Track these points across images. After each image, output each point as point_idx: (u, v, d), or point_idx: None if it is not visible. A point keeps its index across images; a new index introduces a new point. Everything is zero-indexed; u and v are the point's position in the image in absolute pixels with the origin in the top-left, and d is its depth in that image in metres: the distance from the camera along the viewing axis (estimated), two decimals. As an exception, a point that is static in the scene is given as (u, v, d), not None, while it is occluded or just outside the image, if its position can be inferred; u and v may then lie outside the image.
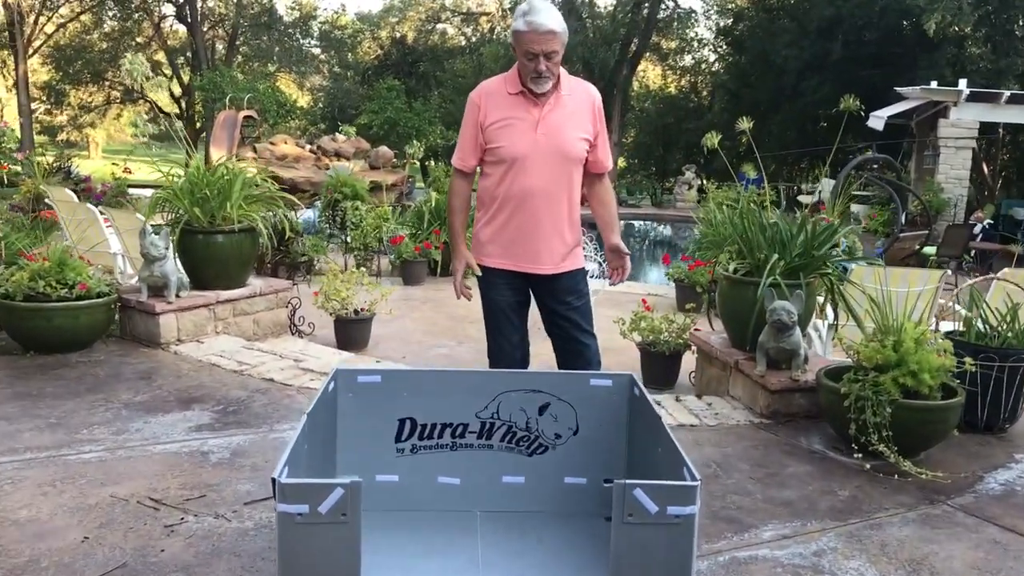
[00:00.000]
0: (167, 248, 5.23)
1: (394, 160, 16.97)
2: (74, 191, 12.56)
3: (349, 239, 9.57)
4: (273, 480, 2.19)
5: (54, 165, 13.92)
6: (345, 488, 2.18)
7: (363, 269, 6.43)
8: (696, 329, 5.54)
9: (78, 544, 2.91)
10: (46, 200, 7.19)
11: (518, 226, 3.59)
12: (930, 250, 12.15)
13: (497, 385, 3.15)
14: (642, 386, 3.05)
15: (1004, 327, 4.41)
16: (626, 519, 2.24)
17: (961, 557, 3.06)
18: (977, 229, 13.24)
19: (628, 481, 2.23)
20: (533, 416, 3.17)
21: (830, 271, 4.71)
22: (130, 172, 13.07)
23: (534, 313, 3.82)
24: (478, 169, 3.75)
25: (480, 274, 3.71)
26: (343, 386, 3.13)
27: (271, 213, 5.76)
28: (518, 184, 3.55)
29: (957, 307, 5.43)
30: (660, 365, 5.57)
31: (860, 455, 3.89)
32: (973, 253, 12.64)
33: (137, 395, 4.45)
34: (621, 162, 27.88)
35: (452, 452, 3.18)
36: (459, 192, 3.76)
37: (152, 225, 5.28)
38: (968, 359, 3.98)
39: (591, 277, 7.39)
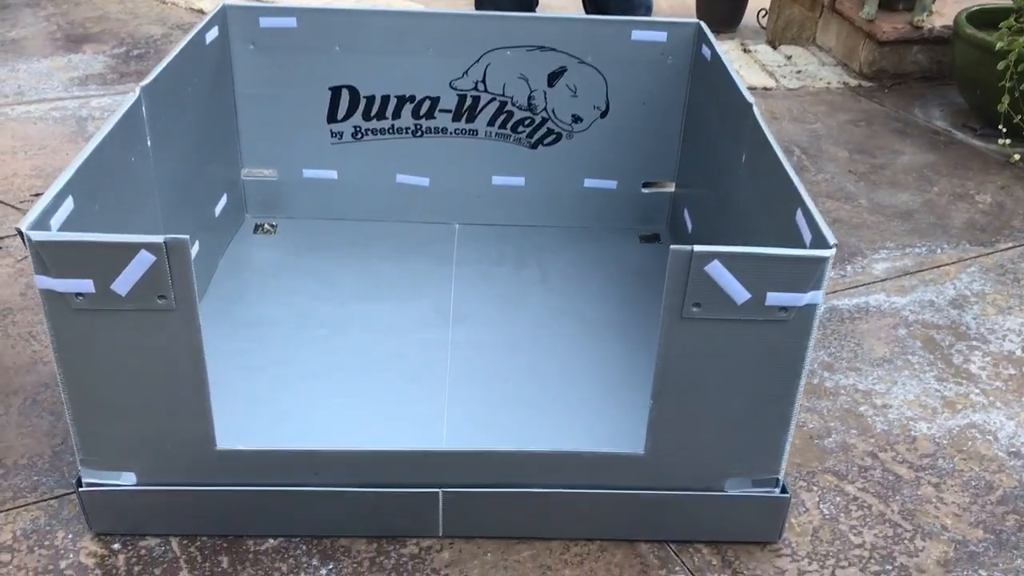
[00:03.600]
0: None
1: None
2: None
3: None
4: (20, 233, 1.15)
5: None
6: (159, 250, 1.13)
7: None
8: (774, -50, 4.14)
9: None
10: None
11: None
12: None
13: (484, 37, 1.98)
14: (715, 43, 1.88)
15: None
16: (689, 310, 1.20)
17: None
18: None
19: (699, 248, 1.16)
20: (540, 88, 2.04)
21: None
22: None
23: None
24: None
25: None
26: (238, 34, 1.97)
27: None
28: None
29: None
30: (720, 1, 4.25)
31: (1007, 140, 2.76)
32: None
33: (12, 29, 3.29)
34: None
35: (416, 140, 2.10)
36: None
37: None
38: None
39: None
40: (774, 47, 3.59)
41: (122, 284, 1.15)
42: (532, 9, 2.38)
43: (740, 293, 1.19)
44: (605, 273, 2.05)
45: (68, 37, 3.25)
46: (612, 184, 2.15)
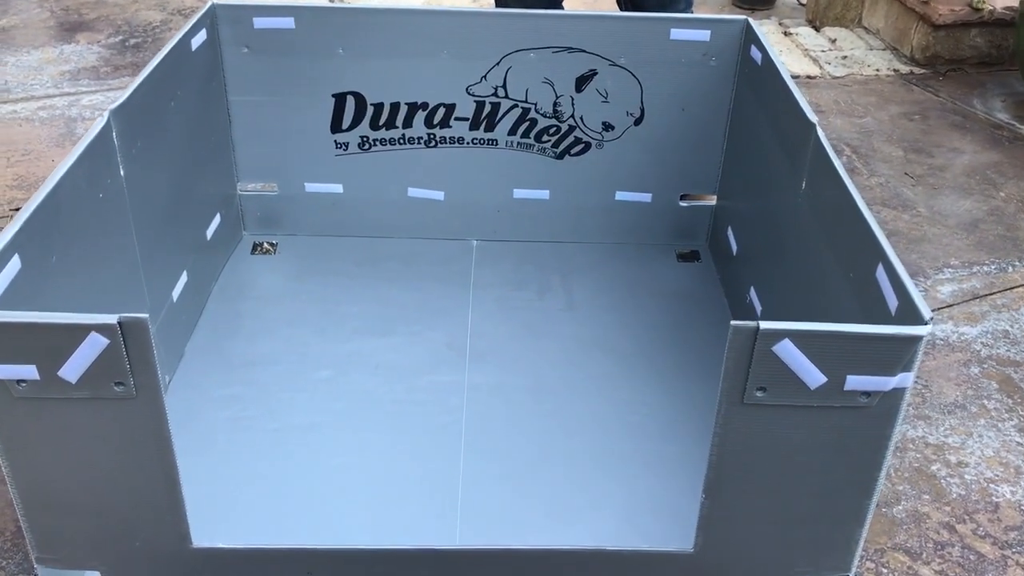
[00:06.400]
0: None
1: None
2: None
3: None
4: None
5: None
6: (112, 332, 0.94)
7: None
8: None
9: None
10: None
11: None
12: None
13: (505, 38, 1.77)
14: (767, 45, 1.66)
15: None
16: (753, 395, 1.00)
17: None
18: None
19: (766, 325, 0.95)
20: (567, 93, 1.83)
21: None
22: None
23: None
24: None
25: None
26: (229, 37, 1.76)
27: None
28: None
29: None
30: (758, -26, 3.98)
31: (1079, 138, 2.52)
32: None
33: (3, 16, 3.09)
34: None
35: (430, 150, 1.89)
36: None
37: None
38: None
39: None
40: (816, 28, 3.33)
41: (71, 370, 0.96)
42: (559, 6, 2.15)
43: (815, 377, 0.99)
44: (638, 297, 1.85)
45: (62, 25, 3.05)
46: (647, 197, 1.94)
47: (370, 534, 1.29)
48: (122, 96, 1.38)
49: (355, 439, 1.48)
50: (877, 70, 2.97)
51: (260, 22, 1.74)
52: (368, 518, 1.32)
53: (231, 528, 1.27)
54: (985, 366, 1.73)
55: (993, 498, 1.46)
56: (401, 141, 1.87)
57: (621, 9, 2.11)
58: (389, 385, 1.60)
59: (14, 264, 1.07)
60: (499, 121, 1.85)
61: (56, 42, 2.92)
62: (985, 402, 1.65)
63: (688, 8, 2.03)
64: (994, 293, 1.94)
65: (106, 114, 1.34)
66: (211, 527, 1.14)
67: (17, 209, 2.06)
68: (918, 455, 1.53)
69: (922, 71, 2.97)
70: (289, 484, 1.38)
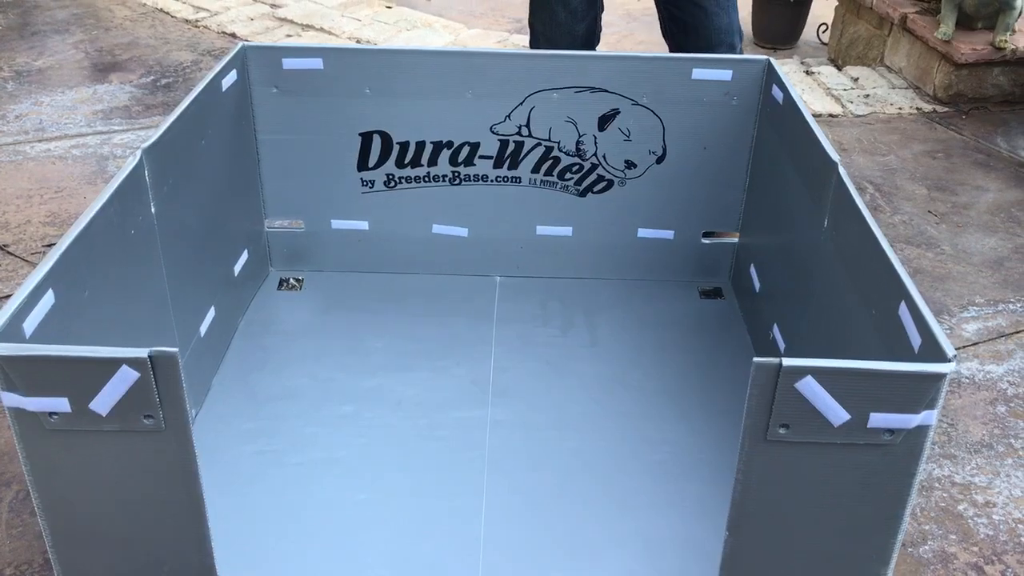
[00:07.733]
0: None
1: None
2: None
3: None
4: (-16, 344, 0.98)
5: None
6: (143, 366, 0.96)
7: None
8: (836, -38, 3.90)
9: None
10: None
11: None
12: None
13: (528, 79, 1.79)
14: (789, 85, 1.67)
15: None
16: (775, 432, 1.00)
17: None
18: None
19: (788, 362, 0.95)
20: (589, 132, 1.85)
21: None
22: None
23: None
24: None
25: None
26: (259, 77, 1.80)
27: None
28: None
29: None
30: (780, 15, 4.02)
31: (1105, 176, 2.51)
32: None
33: (39, 58, 3.17)
34: None
35: (454, 188, 1.91)
36: None
37: None
38: None
39: None
40: (838, 67, 3.35)
41: (102, 403, 0.98)
42: (593, 48, 2.17)
43: (838, 414, 0.99)
44: (661, 334, 1.85)
45: (95, 66, 3.12)
46: (669, 234, 1.95)
47: (391, 571, 1.29)
48: (154, 135, 1.41)
49: (377, 474, 1.48)
50: (900, 108, 2.98)
51: (289, 63, 1.78)
52: (389, 554, 1.33)
53: (254, 561, 1.28)
54: (1012, 405, 1.72)
55: (1022, 539, 1.44)
56: (426, 179, 1.90)
57: (670, 49, 2.13)
58: (412, 420, 1.61)
59: (48, 299, 1.09)
60: (522, 159, 1.87)
61: (90, 82, 2.98)
62: (1012, 441, 1.63)
63: (731, 51, 2.02)
64: (1020, 331, 1.93)
65: (138, 153, 1.37)
66: (235, 560, 1.16)
67: (50, 245, 2.11)
68: (944, 494, 1.52)
69: (945, 109, 2.98)
70: (311, 519, 1.39)
